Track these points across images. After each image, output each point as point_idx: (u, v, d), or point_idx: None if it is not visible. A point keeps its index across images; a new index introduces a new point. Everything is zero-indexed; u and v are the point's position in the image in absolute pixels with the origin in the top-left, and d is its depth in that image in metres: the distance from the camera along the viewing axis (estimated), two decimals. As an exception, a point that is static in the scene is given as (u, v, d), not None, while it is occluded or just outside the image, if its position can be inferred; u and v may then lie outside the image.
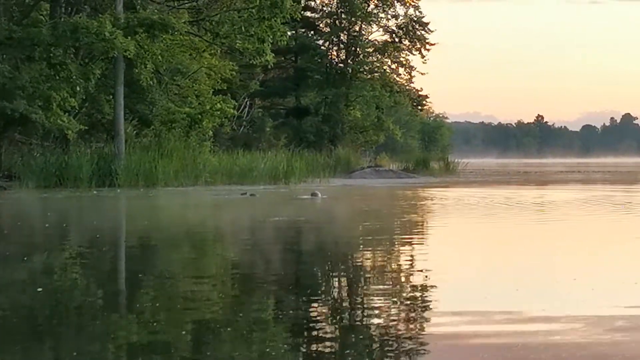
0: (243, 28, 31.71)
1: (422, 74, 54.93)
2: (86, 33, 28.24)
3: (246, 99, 50.78)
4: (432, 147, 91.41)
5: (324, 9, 54.35)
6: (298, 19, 34.58)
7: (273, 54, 33.76)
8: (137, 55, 30.05)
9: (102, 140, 33.35)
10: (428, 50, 53.12)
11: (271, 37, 31.97)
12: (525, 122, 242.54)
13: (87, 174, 29.21)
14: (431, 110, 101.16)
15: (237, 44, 32.47)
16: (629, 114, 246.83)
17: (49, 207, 20.89)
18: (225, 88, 38.76)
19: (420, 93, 59.55)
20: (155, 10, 31.73)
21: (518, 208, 19.89)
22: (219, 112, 34.71)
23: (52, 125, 29.10)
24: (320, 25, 54.70)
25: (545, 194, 27.33)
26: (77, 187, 28.28)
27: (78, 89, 29.70)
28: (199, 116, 34.01)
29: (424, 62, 53.86)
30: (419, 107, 61.25)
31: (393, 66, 54.52)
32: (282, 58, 53.68)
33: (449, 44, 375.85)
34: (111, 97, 31.99)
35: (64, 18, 30.43)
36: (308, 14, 54.21)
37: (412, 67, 54.08)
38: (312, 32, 55.02)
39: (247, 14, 31.70)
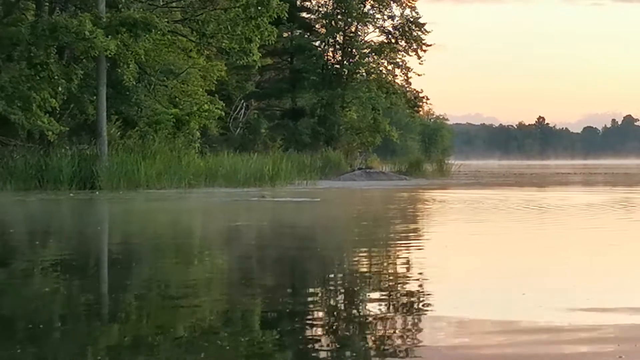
0: (229, 27, 31.13)
1: (418, 75, 54.42)
2: (66, 32, 27.72)
3: (242, 101, 50.33)
4: (432, 149, 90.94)
5: (320, 9, 53.87)
6: (286, 18, 33.89)
7: (268, 55, 33.30)
8: (119, 55, 29.51)
9: (87, 141, 32.80)
10: (424, 51, 52.58)
11: (259, 36, 31.42)
12: (527, 123, 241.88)
13: (68, 176, 28.65)
14: (431, 112, 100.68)
15: (224, 44, 31.90)
16: (630, 115, 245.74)
17: (14, 210, 20.33)
18: (214, 89, 38.22)
19: (418, 94, 58.93)
20: (140, 10, 31.20)
21: (549, 211, 19.21)
22: (206, 113, 34.15)
23: (32, 126, 28.59)
24: (316, 26, 54.24)
25: (568, 197, 26.25)
26: (58, 190, 27.72)
27: (60, 89, 29.18)
28: (186, 117, 33.45)
29: (420, 63, 53.37)
30: (416, 109, 60.57)
31: (389, 67, 53.95)
32: (278, 59, 53.26)
33: (450, 45, 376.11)
34: (95, 97, 31.45)
35: (45, 17, 29.91)
36: (304, 14, 53.79)
37: (408, 68, 53.52)
38: (308, 33, 54.54)
39: (233, 13, 31.14)
